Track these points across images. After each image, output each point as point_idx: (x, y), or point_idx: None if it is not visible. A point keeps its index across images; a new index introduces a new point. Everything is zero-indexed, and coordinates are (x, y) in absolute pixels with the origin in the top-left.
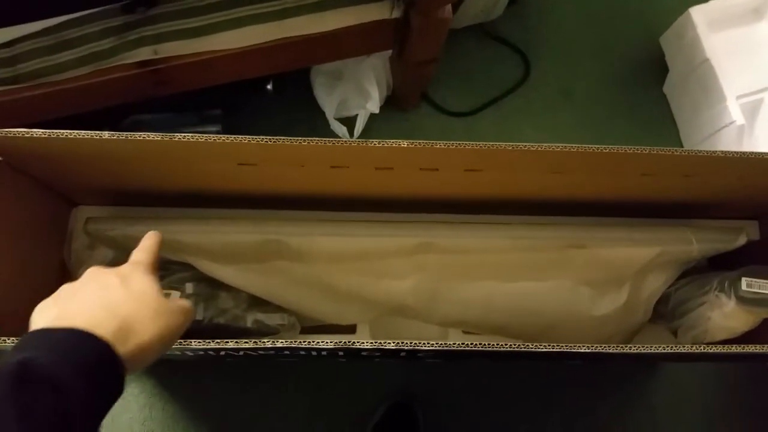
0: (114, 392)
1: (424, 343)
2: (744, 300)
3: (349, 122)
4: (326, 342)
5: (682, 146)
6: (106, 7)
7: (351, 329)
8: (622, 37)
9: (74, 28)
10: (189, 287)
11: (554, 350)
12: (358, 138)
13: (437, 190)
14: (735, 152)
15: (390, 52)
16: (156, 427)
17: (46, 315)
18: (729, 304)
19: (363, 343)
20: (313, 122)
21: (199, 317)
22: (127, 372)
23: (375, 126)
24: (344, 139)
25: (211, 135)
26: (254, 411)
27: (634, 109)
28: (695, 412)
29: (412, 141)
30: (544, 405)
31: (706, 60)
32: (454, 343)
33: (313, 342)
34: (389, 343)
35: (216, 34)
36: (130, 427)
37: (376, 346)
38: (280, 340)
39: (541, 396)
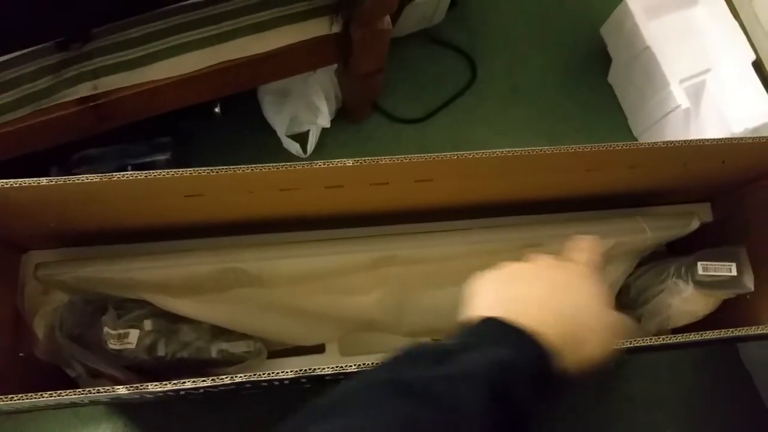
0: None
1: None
2: (701, 284)
3: (301, 138)
4: (287, 372)
5: (631, 133)
6: (40, 46)
7: (320, 349)
8: (564, 30)
9: (8, 69)
10: (147, 324)
11: None
12: (312, 153)
13: (390, 203)
14: (677, 141)
15: (336, 65)
16: None
17: (487, 297)
18: (687, 290)
19: (324, 368)
20: (265, 141)
21: (161, 353)
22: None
23: (328, 139)
24: (290, 163)
25: (153, 172)
26: None
27: (582, 100)
28: (673, 398)
29: (357, 159)
30: None
31: (647, 47)
32: None
33: (273, 373)
34: (350, 366)
35: (154, 63)
36: None
37: (338, 370)
38: (239, 375)
39: None
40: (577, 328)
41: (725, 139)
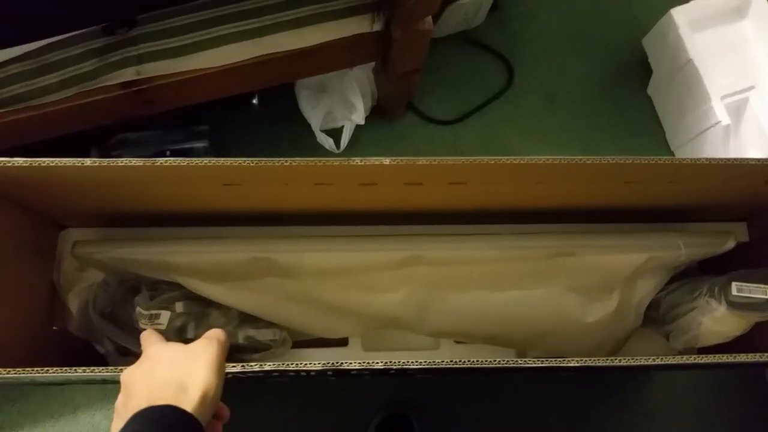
0: None
1: (412, 362)
2: (735, 305)
3: (335, 133)
4: (314, 363)
5: (668, 147)
6: (87, 29)
7: (343, 342)
8: (605, 39)
9: (55, 51)
10: (179, 306)
11: (543, 365)
12: (345, 148)
13: (423, 203)
14: (719, 159)
15: (373, 63)
16: None
17: (116, 427)
18: (720, 310)
19: (351, 363)
20: (300, 135)
21: (190, 335)
22: (204, 418)
23: (362, 136)
24: (326, 159)
25: (194, 159)
26: (250, 426)
27: (619, 111)
28: (691, 416)
29: (394, 158)
30: (540, 411)
31: (690, 61)
32: (442, 361)
33: (301, 364)
34: (377, 363)
35: (197, 53)
36: None
37: (365, 366)
38: (268, 363)
39: (537, 402)
40: (177, 382)
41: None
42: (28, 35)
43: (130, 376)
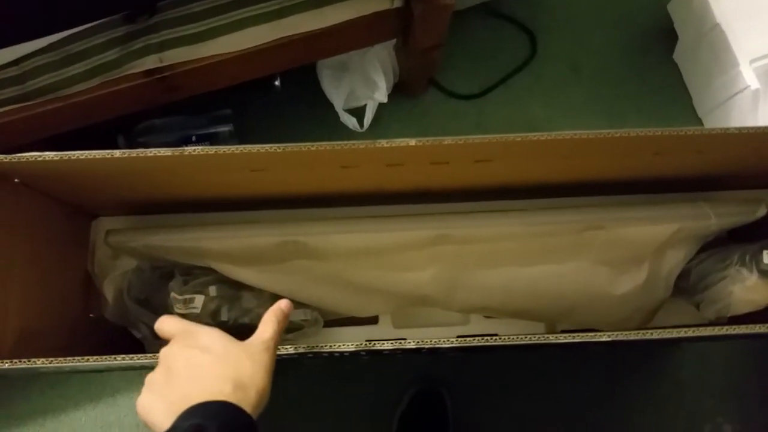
0: None
1: (444, 340)
2: (766, 273)
3: (358, 112)
4: (347, 345)
5: (695, 114)
6: (108, 18)
7: (374, 320)
8: (629, 6)
9: (79, 41)
10: (212, 290)
11: (574, 341)
12: (369, 127)
13: (450, 182)
14: (749, 128)
15: (394, 40)
16: None
17: (158, 407)
18: (751, 278)
19: (384, 343)
20: (323, 115)
21: (224, 318)
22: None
23: (385, 114)
24: (352, 142)
25: (221, 147)
26: (280, 402)
27: (645, 79)
28: (723, 385)
29: (420, 139)
30: (571, 382)
31: (717, 25)
32: (473, 339)
33: (335, 345)
34: (409, 342)
35: (218, 38)
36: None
37: (397, 346)
38: (302, 346)
39: (568, 373)
40: (234, 379)
41: None
42: (50, 27)
43: (172, 354)
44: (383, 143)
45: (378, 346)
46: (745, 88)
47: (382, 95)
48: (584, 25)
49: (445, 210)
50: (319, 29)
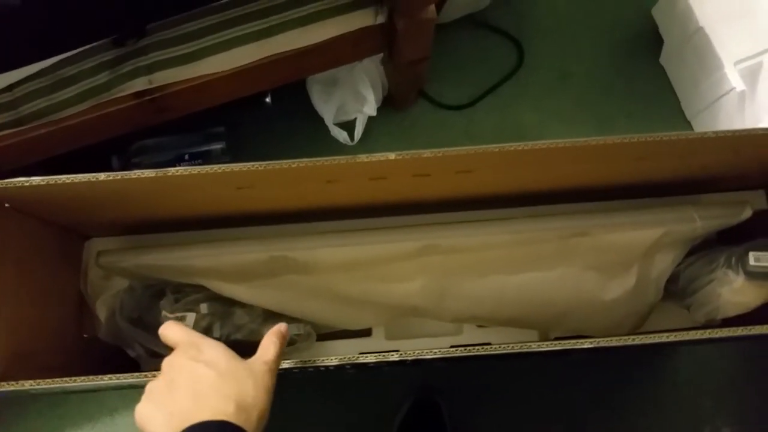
0: None
1: (427, 351)
2: (753, 275)
3: (348, 126)
4: (331, 359)
5: (684, 117)
6: (97, 43)
7: (367, 332)
8: (615, 12)
9: (69, 66)
10: (203, 308)
11: (556, 348)
12: (359, 140)
13: (433, 193)
14: (726, 131)
15: (381, 54)
16: None
17: (157, 418)
18: (738, 280)
19: (367, 356)
20: (314, 129)
21: (216, 335)
22: None
23: (375, 127)
24: (333, 158)
25: (205, 167)
26: (278, 416)
27: (633, 84)
28: (720, 387)
29: (399, 153)
30: (568, 388)
31: (700, 28)
32: (457, 349)
33: (319, 360)
34: (392, 354)
35: (206, 58)
36: None
37: (380, 359)
38: (289, 361)
39: (564, 379)
40: (237, 399)
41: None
42: (41, 53)
43: (176, 366)
44: (363, 158)
45: (362, 360)
46: (731, 90)
47: (371, 109)
48: (570, 32)
49: (431, 221)
50: (306, 46)
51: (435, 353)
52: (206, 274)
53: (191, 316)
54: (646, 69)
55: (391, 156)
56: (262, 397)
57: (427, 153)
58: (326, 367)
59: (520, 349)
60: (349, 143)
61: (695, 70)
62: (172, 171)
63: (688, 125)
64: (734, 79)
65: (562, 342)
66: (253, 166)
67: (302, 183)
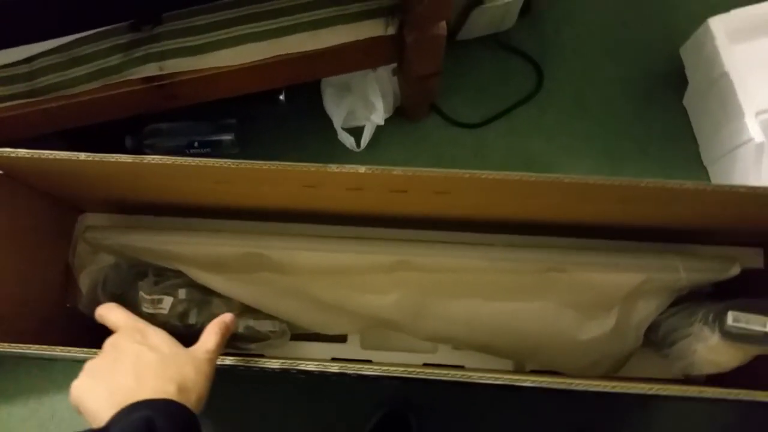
0: None
1: (385, 369)
2: (729, 335)
3: (358, 132)
4: (274, 362)
5: (700, 162)
6: (115, 25)
7: (342, 338)
8: (643, 47)
9: (85, 45)
10: (182, 293)
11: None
12: (366, 148)
13: (411, 210)
14: (707, 184)
15: (394, 65)
16: None
17: (97, 394)
18: (713, 338)
19: (308, 364)
20: (324, 131)
21: (192, 321)
22: None
23: (384, 136)
24: (305, 164)
25: (181, 158)
26: (249, 417)
27: (653, 122)
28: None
29: (370, 167)
30: (541, 415)
31: (725, 73)
32: (417, 372)
33: (266, 361)
34: (334, 367)
35: (217, 51)
36: None
37: (321, 368)
38: (229, 357)
39: (537, 407)
40: (179, 381)
41: None
42: (63, 29)
43: (121, 347)
44: (333, 167)
45: (304, 367)
46: (749, 141)
47: (378, 118)
48: (594, 62)
49: (410, 237)
50: (315, 50)
51: (397, 372)
52: (184, 261)
53: (168, 300)
54: (667, 108)
55: (361, 169)
56: (202, 383)
57: (397, 170)
58: (272, 369)
59: (489, 380)
60: (356, 149)
61: (716, 116)
62: (147, 159)
63: (704, 171)
64: (754, 129)
65: (532, 378)
66: (225, 163)
67: (279, 184)
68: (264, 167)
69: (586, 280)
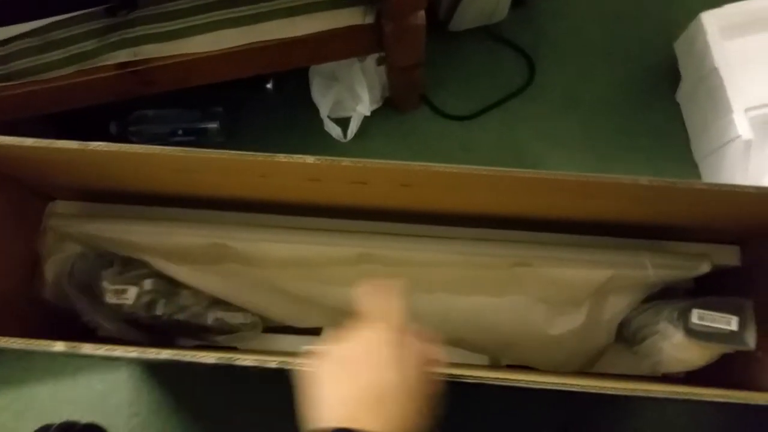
0: None
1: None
2: (693, 333)
3: (345, 123)
4: (209, 356)
5: (691, 158)
6: (91, 9)
7: (316, 331)
8: (638, 41)
9: (60, 29)
10: (147, 283)
11: (499, 383)
12: (354, 138)
13: (373, 201)
14: (664, 180)
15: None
16: (142, 409)
17: (335, 389)
18: (676, 336)
19: (246, 359)
20: (311, 121)
21: (159, 312)
22: None
23: (372, 126)
24: (250, 153)
25: (145, 146)
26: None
27: (644, 117)
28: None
29: (318, 157)
30: (527, 416)
31: (715, 69)
32: None
33: (197, 356)
34: (272, 362)
35: (192, 37)
36: (118, 408)
37: (282, 366)
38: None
39: (525, 408)
40: (403, 416)
41: (752, 187)
42: (37, 12)
43: (380, 352)
44: (281, 157)
45: (241, 362)
46: (737, 138)
47: (364, 108)
48: (589, 56)
49: (378, 229)
50: (293, 37)
51: None
52: (148, 251)
53: (133, 290)
54: (660, 104)
55: (309, 159)
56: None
57: (346, 161)
58: (203, 363)
59: (460, 378)
60: (342, 140)
61: (706, 112)
62: (93, 145)
63: (695, 168)
64: (742, 126)
65: (506, 375)
66: (181, 151)
67: (233, 174)
68: (223, 156)
69: (554, 275)
